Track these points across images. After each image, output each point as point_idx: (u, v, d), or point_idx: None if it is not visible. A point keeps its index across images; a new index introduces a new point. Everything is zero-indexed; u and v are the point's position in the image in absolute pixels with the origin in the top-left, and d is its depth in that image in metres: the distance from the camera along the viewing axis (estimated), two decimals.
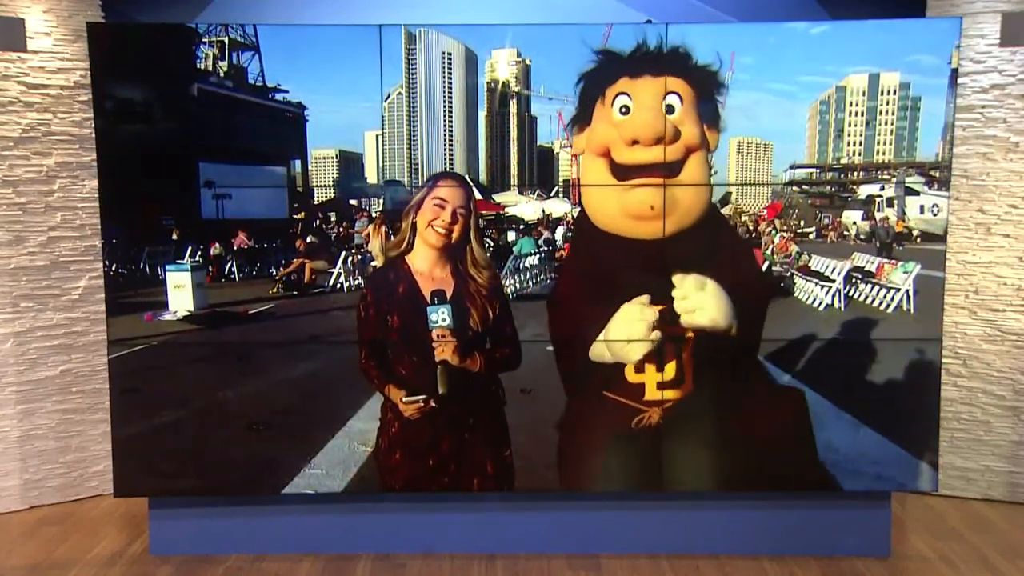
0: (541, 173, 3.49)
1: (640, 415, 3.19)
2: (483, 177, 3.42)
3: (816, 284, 3.29)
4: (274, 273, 3.40)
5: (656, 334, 3.09)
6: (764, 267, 3.35)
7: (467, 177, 3.25)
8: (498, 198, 3.46)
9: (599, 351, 3.18)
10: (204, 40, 3.29)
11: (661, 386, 3.18)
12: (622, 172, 3.09)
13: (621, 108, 3.07)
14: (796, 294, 3.32)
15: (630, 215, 3.10)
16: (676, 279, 3.08)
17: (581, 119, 3.12)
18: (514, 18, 3.33)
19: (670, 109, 3.04)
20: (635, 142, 3.04)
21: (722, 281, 3.10)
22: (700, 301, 3.07)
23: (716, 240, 3.19)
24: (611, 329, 3.15)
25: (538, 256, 3.44)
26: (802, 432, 3.24)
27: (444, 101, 3.41)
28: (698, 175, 3.09)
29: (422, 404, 3.04)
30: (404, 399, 3.05)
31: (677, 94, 3.04)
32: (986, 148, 3.88)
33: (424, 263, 3.08)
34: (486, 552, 3.45)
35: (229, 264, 3.37)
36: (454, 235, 3.03)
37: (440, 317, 2.98)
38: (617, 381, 3.18)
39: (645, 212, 3.07)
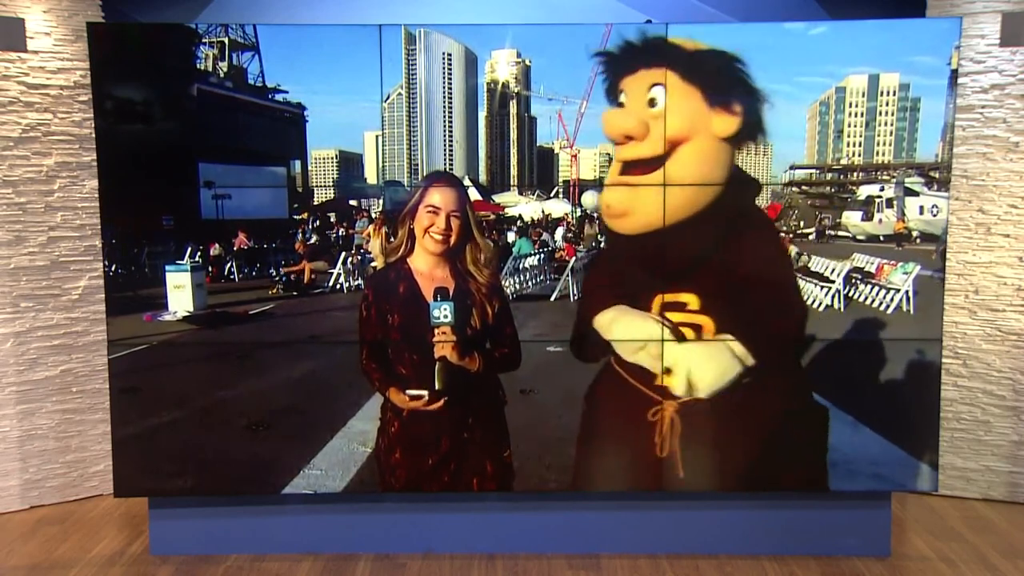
0: (541, 173, 3.49)
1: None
2: (483, 177, 3.42)
3: (816, 285, 3.29)
4: (274, 274, 3.40)
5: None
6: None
7: (461, 176, 3.25)
8: (498, 198, 3.46)
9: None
10: (204, 40, 3.29)
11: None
12: (621, 169, 3.10)
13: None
14: None
15: (606, 214, 3.14)
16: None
17: None
18: (514, 18, 3.34)
19: (652, 102, 3.00)
20: (613, 140, 3.07)
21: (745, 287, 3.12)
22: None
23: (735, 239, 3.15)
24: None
25: (537, 257, 3.44)
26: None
27: (444, 101, 3.41)
28: (688, 167, 3.02)
29: (425, 399, 3.04)
30: (408, 391, 3.05)
31: (661, 85, 2.99)
32: (986, 148, 3.88)
33: (424, 264, 3.09)
34: (486, 552, 3.45)
35: (229, 265, 3.37)
36: (452, 239, 3.03)
37: (442, 314, 2.98)
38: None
39: (613, 211, 3.09)
